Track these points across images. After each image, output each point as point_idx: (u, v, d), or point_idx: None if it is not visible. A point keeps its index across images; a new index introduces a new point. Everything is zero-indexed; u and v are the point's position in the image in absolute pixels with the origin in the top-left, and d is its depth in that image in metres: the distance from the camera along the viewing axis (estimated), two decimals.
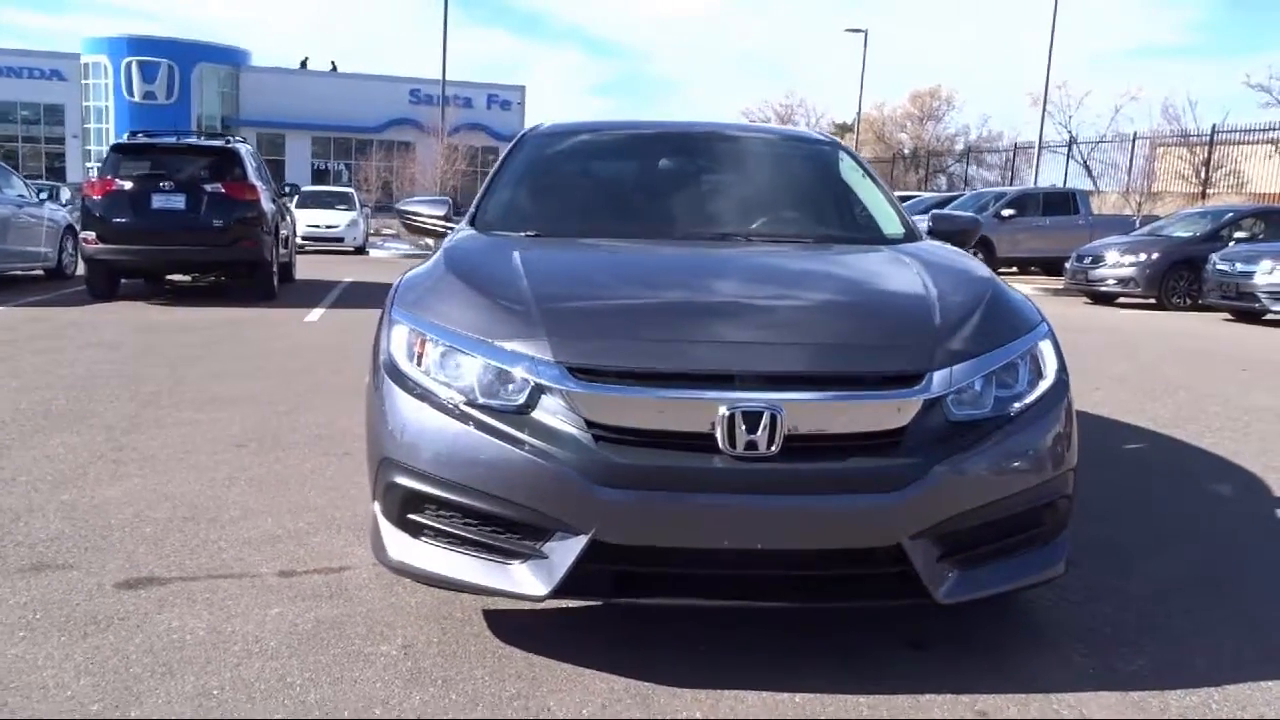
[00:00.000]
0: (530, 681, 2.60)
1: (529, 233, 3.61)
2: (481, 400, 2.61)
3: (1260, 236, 15.16)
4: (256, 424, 5.47)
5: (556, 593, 2.50)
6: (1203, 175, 26.04)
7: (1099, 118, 49.68)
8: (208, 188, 11.36)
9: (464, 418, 2.59)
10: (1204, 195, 25.14)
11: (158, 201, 11.18)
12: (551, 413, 2.54)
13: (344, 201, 25.50)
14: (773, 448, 2.45)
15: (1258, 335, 11.79)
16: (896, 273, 3.20)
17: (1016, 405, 2.71)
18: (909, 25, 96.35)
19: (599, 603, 2.78)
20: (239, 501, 4.07)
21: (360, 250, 24.39)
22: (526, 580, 2.53)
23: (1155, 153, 26.92)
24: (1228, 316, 13.59)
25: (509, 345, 2.62)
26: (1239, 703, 2.61)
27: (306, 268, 16.64)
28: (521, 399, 2.58)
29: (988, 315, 2.89)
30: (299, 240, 17.85)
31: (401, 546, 2.71)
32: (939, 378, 2.58)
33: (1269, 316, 12.82)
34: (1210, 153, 26.02)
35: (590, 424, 2.49)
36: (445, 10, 28.41)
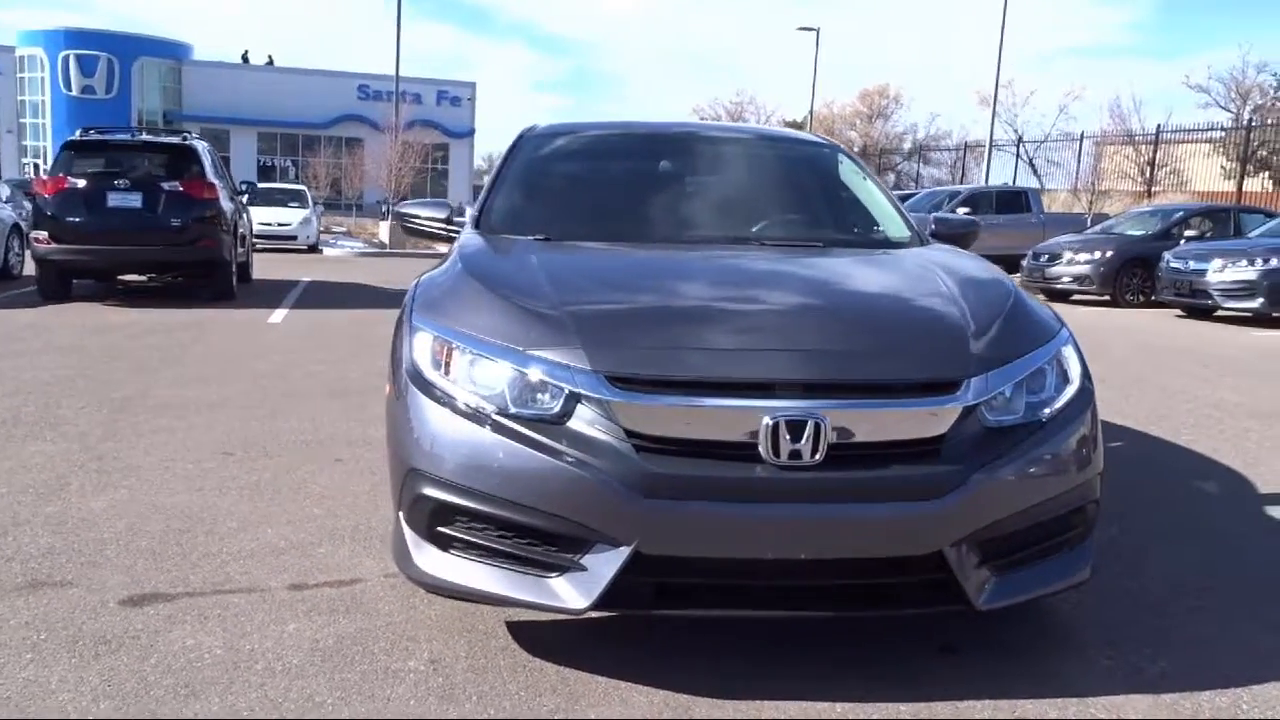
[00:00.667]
0: (567, 696, 2.56)
1: (538, 236, 3.55)
2: (513, 410, 2.56)
3: (1208, 234, 15.53)
4: (237, 430, 5.34)
5: (597, 605, 2.46)
6: (1148, 174, 26.60)
7: (1044, 116, 50.51)
8: (165, 186, 11.09)
9: (497, 428, 2.53)
10: (1149, 194, 25.68)
11: (113, 200, 10.88)
12: (587, 422, 2.49)
13: (296, 199, 25.10)
14: (816, 456, 2.43)
15: (1210, 331, 12.05)
16: (919, 278, 3.19)
17: (1046, 411, 2.72)
18: (857, 24, 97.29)
19: (617, 613, 2.76)
20: (234, 512, 3.96)
21: (313, 249, 24.04)
22: (566, 593, 2.49)
23: (1103, 151, 27.42)
24: (1180, 313, 13.88)
25: (542, 353, 2.57)
26: (1267, 703, 2.64)
27: (261, 267, 16.31)
28: (556, 408, 2.53)
29: (1013, 321, 2.89)
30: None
31: (430, 560, 2.65)
32: (976, 384, 2.58)
33: (1220, 313, 13.11)
34: (1155, 152, 26.57)
35: (630, 433, 2.45)
36: (399, 5, 28.05)
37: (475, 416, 2.57)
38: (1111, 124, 30.03)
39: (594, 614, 2.78)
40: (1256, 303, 12.35)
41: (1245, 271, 12.46)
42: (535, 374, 2.56)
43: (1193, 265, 13.07)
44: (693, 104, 67.92)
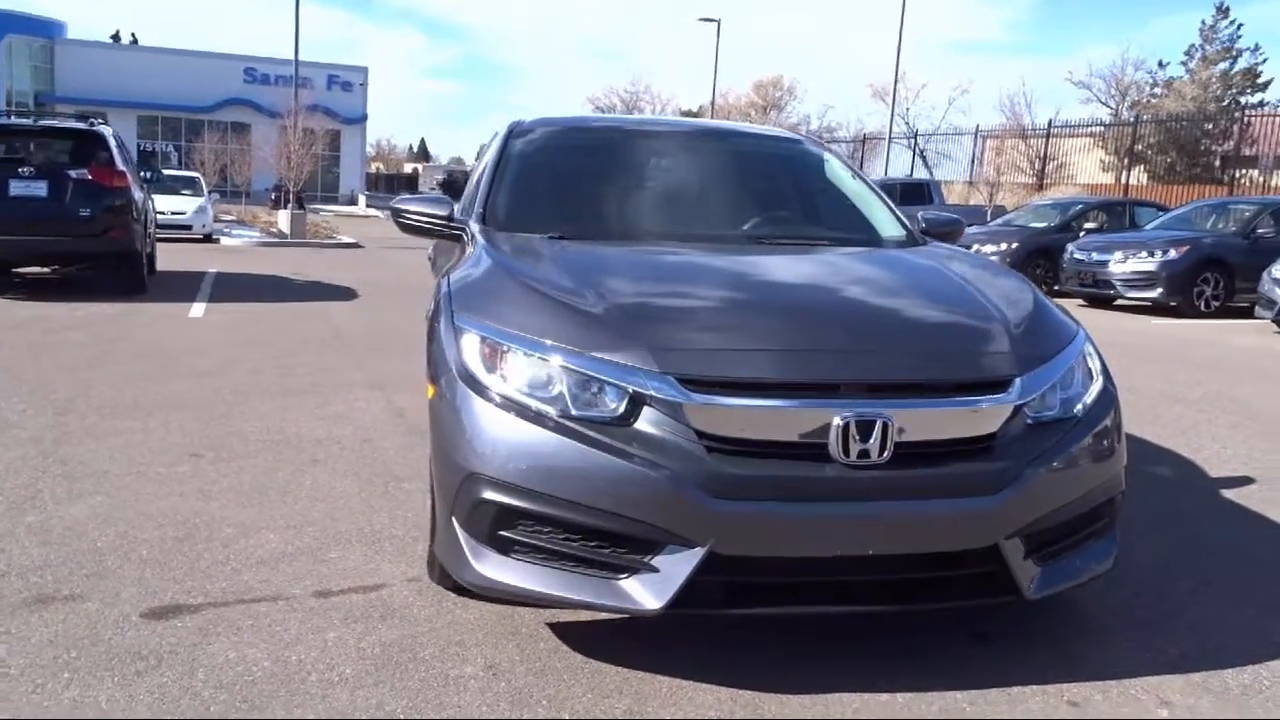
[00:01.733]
0: (635, 697, 2.57)
1: (553, 234, 3.52)
2: (575, 412, 2.56)
3: (1104, 226, 16.23)
4: (198, 431, 5.16)
5: (671, 606, 2.48)
6: (1038, 167, 27.67)
7: (934, 109, 51.90)
8: (72, 174, 10.54)
9: (562, 430, 2.53)
10: (1040, 186, 26.71)
11: (16, 188, 10.31)
12: (653, 424, 2.51)
13: (190, 186, 24.18)
14: (884, 455, 2.49)
15: (1116, 320, 12.62)
16: (946, 279, 3.28)
17: (1079, 407, 2.84)
18: (749, 14, 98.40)
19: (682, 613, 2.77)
20: (227, 517, 3.84)
21: (209, 238, 23.18)
22: (639, 594, 2.50)
23: (1002, 145, 28.39)
24: (1082, 302, 14.48)
25: (606, 355, 2.57)
26: None
27: (159, 258, 15.70)
28: (620, 409, 2.53)
29: (1042, 320, 3.01)
30: None
31: (490, 565, 2.62)
32: (1024, 382, 2.68)
33: (1120, 302, 13.75)
34: (1047, 146, 27.65)
35: (701, 435, 2.47)
36: None
37: (537, 419, 2.56)
38: (1005, 119, 31.14)
39: (622, 616, 2.82)
40: (1156, 292, 12.99)
41: (1145, 263, 13.09)
42: (599, 376, 2.56)
43: (1095, 257, 13.67)
44: (588, 93, 67.85)
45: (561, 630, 2.92)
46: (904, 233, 3.98)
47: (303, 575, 3.30)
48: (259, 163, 36.69)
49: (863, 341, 2.74)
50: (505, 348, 2.68)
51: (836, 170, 4.43)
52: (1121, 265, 13.26)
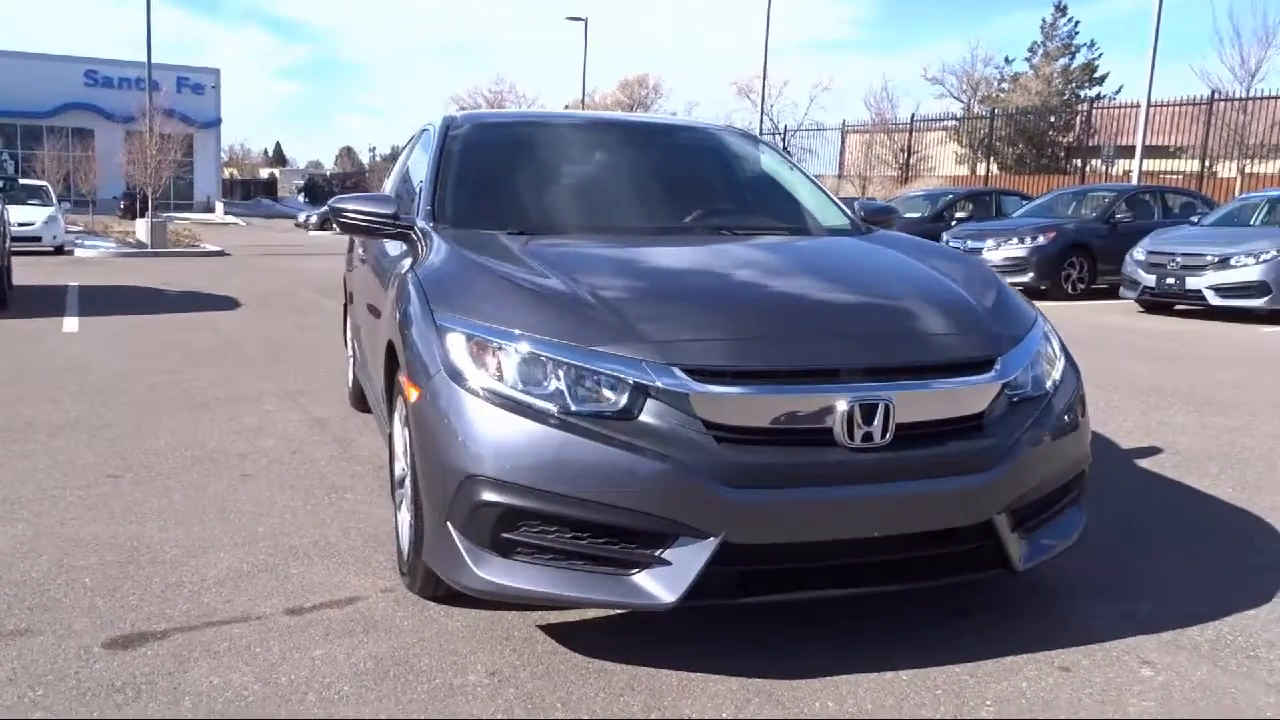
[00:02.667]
0: (649, 693, 2.54)
1: (512, 230, 3.45)
2: (575, 407, 2.52)
3: (973, 215, 16.92)
4: (110, 451, 4.87)
5: (685, 599, 2.46)
6: (902, 160, 28.64)
7: (796, 106, 53.09)
8: None
9: (565, 426, 2.48)
10: (905, 179, 27.66)
11: None
12: (658, 415, 2.49)
13: (37, 196, 22.81)
14: (886, 437, 2.53)
15: None
16: (911, 264, 3.35)
17: (1049, 383, 2.94)
18: (610, 15, 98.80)
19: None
20: (167, 538, 3.64)
21: (60, 250, 21.94)
22: (652, 588, 2.47)
23: (870, 139, 29.28)
24: None
25: (607, 349, 2.54)
26: (1244, 631, 2.98)
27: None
28: (621, 403, 2.51)
29: (1008, 302, 3.11)
30: None
31: (492, 568, 2.56)
32: (1006, 361, 2.77)
33: None
34: (910, 140, 28.64)
35: (709, 425, 2.47)
36: None
37: (538, 416, 2.51)
38: (870, 114, 32.11)
39: (613, 611, 2.80)
40: (1027, 277, 13.61)
41: (1016, 249, 13.72)
42: (600, 369, 2.52)
43: (970, 244, 14.25)
44: (451, 92, 67.02)
45: (556, 631, 2.87)
46: (849, 221, 4.05)
47: (268, 593, 3.15)
48: (106, 170, 34.99)
49: (854, 327, 2.79)
50: (496, 345, 2.62)
51: (777, 162, 4.48)
52: (995, 252, 13.86)
